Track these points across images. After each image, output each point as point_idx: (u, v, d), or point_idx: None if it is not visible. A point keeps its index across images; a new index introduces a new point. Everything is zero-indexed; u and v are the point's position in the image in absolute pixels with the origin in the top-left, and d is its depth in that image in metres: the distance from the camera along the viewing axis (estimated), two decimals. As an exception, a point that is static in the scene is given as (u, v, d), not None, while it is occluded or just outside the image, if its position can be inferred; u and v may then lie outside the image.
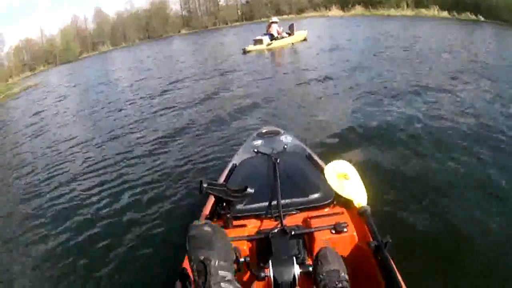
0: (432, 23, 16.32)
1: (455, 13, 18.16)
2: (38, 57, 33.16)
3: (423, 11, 20.86)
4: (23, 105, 13.23)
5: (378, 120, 4.69)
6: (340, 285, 1.26)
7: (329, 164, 1.85)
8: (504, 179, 3.01)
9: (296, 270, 1.32)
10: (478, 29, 13.73)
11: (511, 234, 2.39)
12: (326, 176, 1.77)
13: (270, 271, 1.32)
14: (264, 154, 2.36)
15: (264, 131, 2.92)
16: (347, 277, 1.29)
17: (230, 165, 2.43)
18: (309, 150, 2.56)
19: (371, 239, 1.45)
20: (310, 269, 1.33)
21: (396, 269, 1.31)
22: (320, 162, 2.34)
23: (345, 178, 1.73)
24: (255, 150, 2.49)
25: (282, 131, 2.87)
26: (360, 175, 1.81)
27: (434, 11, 19.97)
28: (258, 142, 2.69)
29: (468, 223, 2.53)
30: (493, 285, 2.05)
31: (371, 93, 5.92)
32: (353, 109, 5.31)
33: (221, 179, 2.24)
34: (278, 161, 2.07)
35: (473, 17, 16.89)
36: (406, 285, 1.28)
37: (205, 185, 1.61)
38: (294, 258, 1.37)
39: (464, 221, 2.55)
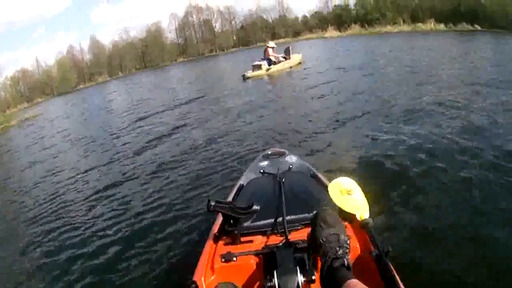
0: (429, 37, 16.28)
1: (451, 25, 18.44)
2: (35, 88, 33.12)
3: (420, 25, 21.16)
4: (22, 138, 12.99)
5: (381, 138, 4.66)
6: (340, 251, 1.29)
7: (333, 181, 1.89)
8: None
9: (300, 278, 1.37)
10: (476, 39, 13.76)
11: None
12: (330, 192, 1.81)
13: (275, 281, 1.37)
14: (270, 174, 2.43)
15: (269, 152, 3.01)
16: (347, 239, 1.36)
17: (237, 185, 2.50)
18: (313, 169, 2.62)
19: (373, 249, 1.50)
20: (313, 277, 1.39)
21: (397, 276, 1.35)
22: (324, 180, 2.40)
23: (348, 194, 1.79)
24: (261, 171, 2.55)
25: (287, 152, 2.95)
26: (363, 189, 1.86)
27: (430, 25, 20.26)
28: (264, 163, 2.76)
29: (472, 228, 2.53)
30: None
31: (376, 114, 5.76)
32: (355, 129, 5.26)
33: (229, 199, 2.28)
34: (283, 180, 2.15)
35: (470, 27, 17.10)
36: None
37: (212, 203, 1.67)
38: (298, 268, 1.41)
39: (466, 226, 2.56)
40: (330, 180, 1.97)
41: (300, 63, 13.82)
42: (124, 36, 38.25)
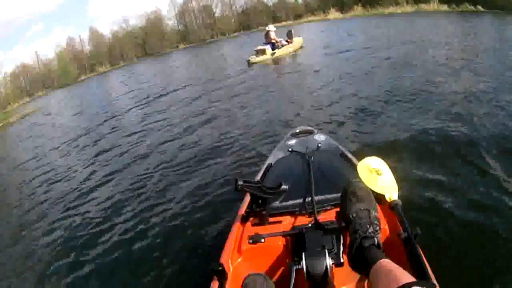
0: (432, 18, 16.13)
1: (454, 6, 18.29)
2: (36, 82, 32.95)
3: (423, 6, 20.80)
4: (22, 134, 12.84)
5: (405, 121, 4.51)
6: (371, 228, 1.23)
7: (362, 161, 1.86)
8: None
9: (328, 261, 1.35)
10: (479, 19, 13.74)
11: None
12: (359, 172, 1.77)
13: (303, 263, 1.34)
14: (298, 152, 2.40)
15: (298, 131, 2.98)
16: (377, 214, 1.30)
17: (265, 164, 2.49)
18: (342, 148, 2.58)
19: (402, 232, 1.46)
20: (342, 260, 1.39)
21: (425, 259, 1.33)
22: (353, 159, 2.36)
23: (377, 174, 1.76)
24: (290, 149, 2.53)
25: (315, 131, 2.92)
26: (392, 170, 1.82)
27: (434, 5, 19.93)
28: (293, 141, 2.74)
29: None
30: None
31: (397, 96, 5.61)
32: (376, 109, 5.15)
33: (258, 178, 2.26)
34: (312, 159, 2.11)
35: (472, 8, 17.05)
36: (435, 274, 1.29)
37: (240, 183, 1.65)
38: (327, 250, 1.39)
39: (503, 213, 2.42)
40: (359, 160, 1.95)
41: (302, 47, 13.56)
42: (124, 26, 37.83)
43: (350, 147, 3.54)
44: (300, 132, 2.94)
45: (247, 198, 1.99)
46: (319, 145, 2.55)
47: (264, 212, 1.77)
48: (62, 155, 7.48)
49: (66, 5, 50.90)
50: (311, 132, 2.89)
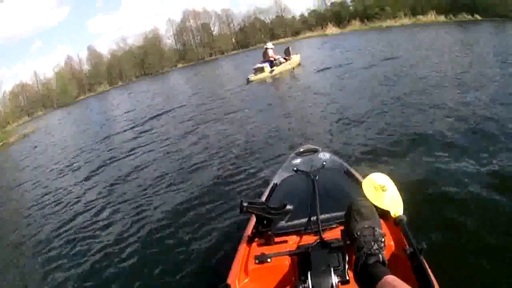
0: (431, 29, 16.20)
1: (451, 16, 18.43)
2: (35, 102, 32.93)
3: (421, 18, 20.99)
4: (21, 155, 12.66)
5: (408, 130, 4.57)
6: (375, 246, 1.23)
7: (367, 178, 1.84)
8: None
9: (334, 280, 1.34)
10: (478, 28, 13.75)
11: None
12: (364, 189, 1.76)
13: (309, 283, 1.34)
14: (303, 172, 2.39)
15: (302, 150, 2.97)
16: (382, 231, 1.30)
17: (271, 185, 2.48)
18: (347, 166, 2.58)
19: (408, 247, 1.45)
20: (348, 278, 1.38)
21: (431, 274, 1.31)
22: (358, 176, 2.37)
23: (382, 190, 1.74)
24: (295, 169, 2.51)
25: (320, 149, 2.92)
26: (397, 185, 1.79)
27: (431, 16, 20.15)
28: (297, 161, 2.74)
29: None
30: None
31: (395, 107, 5.70)
32: (377, 124, 5.11)
33: (263, 198, 2.25)
34: (317, 178, 2.13)
35: (470, 17, 17.14)
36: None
37: (245, 205, 1.66)
38: (332, 268, 1.39)
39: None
40: (364, 176, 1.93)
41: (299, 64, 13.51)
42: (122, 45, 38.12)
43: (353, 161, 3.61)
44: (305, 151, 2.94)
45: (253, 219, 1.98)
46: (324, 163, 2.55)
47: (269, 232, 1.76)
48: (62, 175, 7.29)
49: (66, 22, 51.47)
50: (315, 151, 2.90)
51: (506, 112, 4.38)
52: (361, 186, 1.82)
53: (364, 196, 1.72)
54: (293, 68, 12.94)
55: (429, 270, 1.33)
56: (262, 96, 9.86)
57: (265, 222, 1.78)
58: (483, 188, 2.85)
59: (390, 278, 1.12)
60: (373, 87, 7.35)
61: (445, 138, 3.98)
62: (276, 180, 2.52)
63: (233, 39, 36.82)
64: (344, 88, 8.00)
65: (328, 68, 11.25)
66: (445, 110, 4.95)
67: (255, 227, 1.89)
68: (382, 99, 6.24)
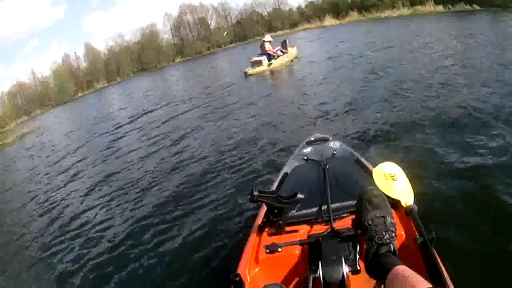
0: (429, 19, 16.16)
1: (450, 6, 18.35)
2: (33, 101, 32.73)
3: (419, 8, 20.82)
4: (21, 154, 12.72)
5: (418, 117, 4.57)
6: (387, 235, 1.24)
7: (377, 167, 1.84)
8: None
9: (345, 269, 1.34)
10: (477, 18, 13.81)
11: None
12: (374, 178, 1.76)
13: (320, 272, 1.34)
14: (314, 161, 2.41)
15: (312, 139, 2.98)
16: (393, 221, 1.31)
17: (281, 174, 2.48)
18: (357, 155, 2.59)
19: (418, 237, 1.44)
20: (359, 267, 1.38)
21: (441, 264, 1.32)
22: (368, 165, 2.36)
23: (392, 179, 1.75)
24: (305, 158, 2.54)
25: (330, 138, 2.92)
26: (408, 175, 1.80)
27: (430, 7, 19.97)
28: (308, 149, 2.75)
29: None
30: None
31: (400, 95, 5.71)
32: (388, 113, 5.08)
33: (273, 188, 2.26)
34: (327, 167, 2.14)
35: (468, 7, 17.09)
36: (451, 278, 1.29)
37: (256, 193, 1.65)
38: (343, 258, 1.38)
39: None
40: (374, 165, 1.94)
41: (296, 56, 13.39)
42: (119, 41, 37.80)
43: (362, 150, 3.60)
44: (315, 140, 2.95)
45: (264, 208, 1.99)
46: (334, 152, 2.55)
47: (280, 222, 1.76)
48: (62, 175, 7.25)
49: (62, 21, 50.84)
50: (326, 140, 2.90)
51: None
52: (372, 175, 1.83)
53: (375, 185, 1.71)
54: (292, 61, 12.80)
55: (439, 260, 1.33)
56: (262, 89, 9.89)
57: (275, 211, 1.77)
58: (499, 184, 2.74)
59: (401, 268, 1.12)
60: (373, 76, 7.37)
61: (459, 127, 3.94)
62: (286, 169, 2.53)
63: (225, 33, 36.31)
64: (345, 79, 8.03)
65: (326, 59, 11.22)
66: (466, 97, 4.80)
67: (265, 216, 1.90)
68: (385, 87, 6.27)
